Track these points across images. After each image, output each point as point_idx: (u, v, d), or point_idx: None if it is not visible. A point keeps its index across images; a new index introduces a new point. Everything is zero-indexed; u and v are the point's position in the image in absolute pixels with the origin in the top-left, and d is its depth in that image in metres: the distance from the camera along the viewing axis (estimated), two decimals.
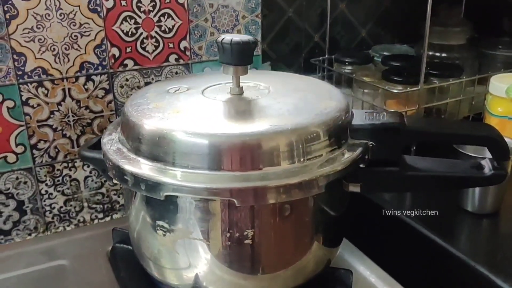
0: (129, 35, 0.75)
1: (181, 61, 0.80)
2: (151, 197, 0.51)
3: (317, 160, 0.51)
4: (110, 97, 0.76)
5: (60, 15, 0.70)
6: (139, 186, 0.51)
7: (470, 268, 0.59)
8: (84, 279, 0.66)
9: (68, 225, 0.79)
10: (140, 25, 0.75)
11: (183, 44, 0.79)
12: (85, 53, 0.73)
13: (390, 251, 0.69)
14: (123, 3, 0.73)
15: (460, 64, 0.90)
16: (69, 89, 0.73)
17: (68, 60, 0.72)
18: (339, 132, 0.54)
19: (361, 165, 0.55)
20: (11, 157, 0.72)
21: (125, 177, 0.52)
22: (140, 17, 0.75)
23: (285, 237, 0.55)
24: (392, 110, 0.77)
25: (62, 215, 0.78)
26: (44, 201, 0.76)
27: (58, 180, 0.76)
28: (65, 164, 0.76)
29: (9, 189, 0.74)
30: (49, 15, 0.69)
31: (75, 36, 0.71)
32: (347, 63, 0.90)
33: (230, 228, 0.52)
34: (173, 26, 0.78)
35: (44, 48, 0.70)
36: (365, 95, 0.85)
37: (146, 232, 0.57)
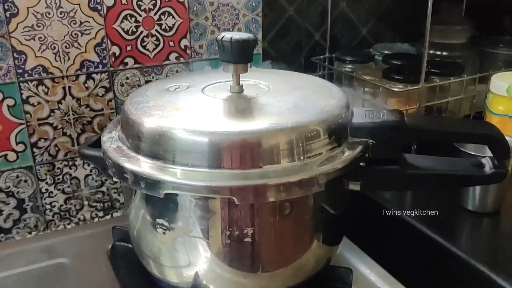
0: (130, 33, 0.75)
1: (182, 60, 0.80)
2: (151, 195, 0.51)
3: (317, 158, 0.51)
4: (110, 95, 0.76)
5: (61, 13, 0.70)
6: (139, 184, 0.51)
7: (470, 267, 0.59)
8: (84, 277, 0.66)
9: (68, 224, 0.79)
10: (140, 24, 0.75)
11: (184, 42, 0.79)
12: (86, 51, 0.73)
13: (390, 250, 0.69)
14: (124, 1, 0.73)
15: (461, 63, 0.90)
16: (69, 87, 0.73)
17: (69, 59, 0.72)
18: (339, 130, 0.54)
19: (361, 164, 0.55)
20: (12, 156, 0.72)
21: (125, 175, 0.52)
22: (140, 15, 0.75)
23: (285, 235, 0.55)
24: (393, 109, 0.77)
25: (62, 213, 0.78)
26: (45, 199, 0.76)
27: (59, 179, 0.76)
28: (66, 163, 0.76)
29: (9, 187, 0.74)
30: (49, 14, 0.69)
31: (75, 34, 0.71)
32: (347, 62, 0.90)
33: (230, 226, 0.52)
34: (174, 25, 0.78)
35: (45, 46, 0.70)
36: (365, 93, 0.85)
37: (146, 230, 0.57)
